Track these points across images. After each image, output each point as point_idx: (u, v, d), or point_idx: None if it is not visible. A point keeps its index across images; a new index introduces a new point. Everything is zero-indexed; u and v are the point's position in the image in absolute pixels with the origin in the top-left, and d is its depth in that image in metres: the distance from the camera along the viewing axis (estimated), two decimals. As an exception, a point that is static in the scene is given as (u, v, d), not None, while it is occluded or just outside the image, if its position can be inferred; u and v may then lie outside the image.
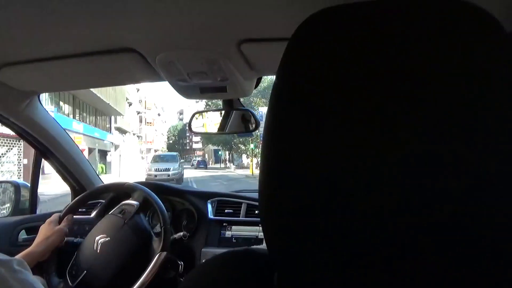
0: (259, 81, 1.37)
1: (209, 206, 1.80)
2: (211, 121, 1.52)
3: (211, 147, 56.12)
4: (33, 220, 1.76)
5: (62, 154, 1.79)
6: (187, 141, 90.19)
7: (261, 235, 1.69)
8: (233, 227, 1.74)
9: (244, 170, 34.91)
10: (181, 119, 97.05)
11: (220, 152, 53.47)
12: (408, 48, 0.30)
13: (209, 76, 1.18)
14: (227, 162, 49.73)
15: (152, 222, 1.70)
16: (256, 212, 1.75)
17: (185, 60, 1.10)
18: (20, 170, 17.14)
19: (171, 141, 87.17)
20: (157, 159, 24.81)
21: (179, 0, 0.80)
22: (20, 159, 17.22)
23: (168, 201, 1.76)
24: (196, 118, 1.55)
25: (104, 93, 24.98)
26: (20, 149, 17.24)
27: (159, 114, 75.21)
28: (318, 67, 0.33)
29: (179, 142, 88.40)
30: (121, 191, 1.65)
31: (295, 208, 0.33)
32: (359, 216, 0.31)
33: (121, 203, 1.54)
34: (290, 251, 0.35)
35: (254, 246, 0.48)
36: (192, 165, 51.07)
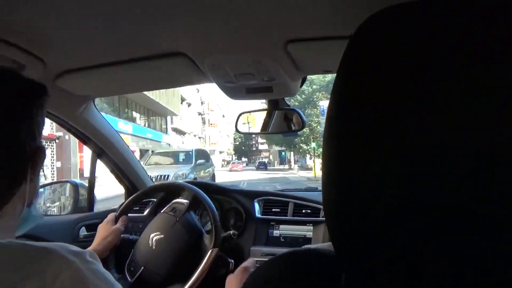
0: (304, 80, 1.36)
1: (256, 205, 1.81)
2: (257, 121, 1.53)
3: (276, 148, 56.01)
4: (91, 217, 1.87)
5: (116, 155, 1.88)
6: (253, 142, 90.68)
7: (309, 234, 1.67)
8: (281, 226, 1.74)
9: (307, 171, 33.23)
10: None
11: (284, 153, 53.49)
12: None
13: (255, 77, 1.20)
14: (291, 163, 49.58)
15: (202, 220, 1.75)
16: (303, 211, 1.73)
17: (233, 62, 1.12)
18: (54, 173, 16.02)
19: (237, 143, 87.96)
20: (158, 158, 15.37)
21: (227, 4, 0.81)
22: (53, 162, 16.22)
23: (216, 200, 1.79)
24: (243, 118, 1.57)
25: (153, 92, 23.54)
26: (53, 151, 16.19)
27: (223, 116, 75.49)
28: (372, 68, 0.33)
29: (246, 144, 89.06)
30: (171, 190, 1.71)
31: (340, 210, 0.35)
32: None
33: (172, 202, 1.59)
34: (348, 254, 0.36)
35: (317, 245, 0.49)
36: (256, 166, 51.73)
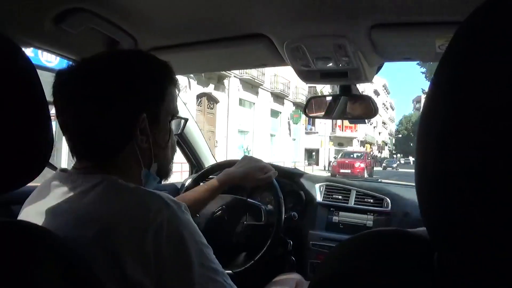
0: (380, 67, 1.35)
1: (317, 190, 1.82)
2: (327, 106, 1.53)
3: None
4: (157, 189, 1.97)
5: (188, 133, 1.97)
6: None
7: (369, 223, 1.67)
8: (341, 213, 1.75)
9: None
10: (418, 109, 74.02)
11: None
12: None
13: (333, 61, 1.20)
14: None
15: (261, 200, 1.78)
16: (366, 200, 1.73)
17: (313, 46, 1.14)
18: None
19: (400, 136, 71.54)
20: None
21: None
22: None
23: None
24: (312, 103, 1.58)
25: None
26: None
27: (376, 93, 49.22)
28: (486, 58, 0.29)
29: (413, 138, 63.52)
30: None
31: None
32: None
33: None
34: (444, 235, 0.34)
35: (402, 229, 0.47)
36: None
